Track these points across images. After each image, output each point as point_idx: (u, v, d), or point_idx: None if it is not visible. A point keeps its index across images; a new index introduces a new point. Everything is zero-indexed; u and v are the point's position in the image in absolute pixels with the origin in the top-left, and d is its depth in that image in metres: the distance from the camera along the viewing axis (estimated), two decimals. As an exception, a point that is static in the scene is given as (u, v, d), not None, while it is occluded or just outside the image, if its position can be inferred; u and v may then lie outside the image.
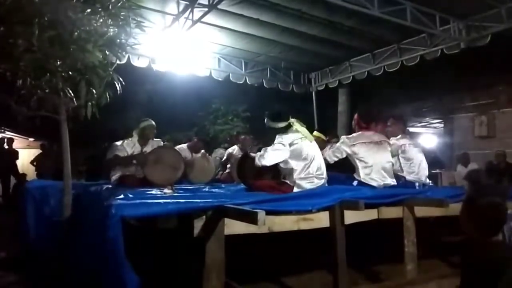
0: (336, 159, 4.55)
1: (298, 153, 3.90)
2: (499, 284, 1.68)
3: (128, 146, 4.77)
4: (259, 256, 4.07)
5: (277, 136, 3.92)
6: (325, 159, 4.36)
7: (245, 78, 8.73)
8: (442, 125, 12.34)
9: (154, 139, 5.03)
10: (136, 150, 4.78)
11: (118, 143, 4.79)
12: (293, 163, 3.89)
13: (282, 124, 3.98)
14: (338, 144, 4.67)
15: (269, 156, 3.84)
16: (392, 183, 4.52)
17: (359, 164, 4.44)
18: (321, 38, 7.29)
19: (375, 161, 4.44)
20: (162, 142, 5.18)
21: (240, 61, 8.57)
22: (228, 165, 6.75)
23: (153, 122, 5.00)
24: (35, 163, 10.35)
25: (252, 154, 4.16)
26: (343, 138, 4.69)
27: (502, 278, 1.70)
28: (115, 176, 4.69)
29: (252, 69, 8.79)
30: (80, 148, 8.42)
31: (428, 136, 14.54)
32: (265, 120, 4.09)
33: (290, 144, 3.88)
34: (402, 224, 3.83)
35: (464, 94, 10.65)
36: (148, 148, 4.81)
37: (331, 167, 4.43)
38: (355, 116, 4.86)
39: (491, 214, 1.86)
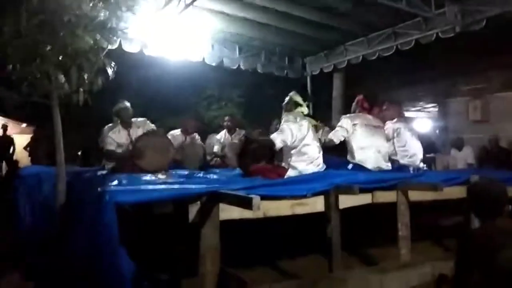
0: (342, 139, 4.56)
1: (294, 135, 3.96)
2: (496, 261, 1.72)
3: (114, 134, 4.68)
4: (254, 240, 4.09)
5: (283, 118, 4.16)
6: (331, 140, 4.46)
7: (239, 63, 8.64)
8: (436, 110, 12.35)
9: (138, 119, 4.91)
10: (123, 135, 4.69)
11: (107, 132, 4.71)
12: (288, 146, 3.94)
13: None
14: (340, 123, 4.68)
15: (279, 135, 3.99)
16: (386, 167, 4.55)
17: (354, 146, 4.48)
18: (315, 22, 7.20)
19: (371, 144, 4.48)
20: (148, 121, 5.02)
21: (234, 46, 8.45)
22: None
23: (127, 104, 4.85)
24: (28, 149, 10.25)
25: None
26: (344, 116, 4.73)
27: (499, 255, 1.73)
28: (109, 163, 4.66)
29: (246, 54, 8.68)
30: (74, 132, 8.30)
31: (423, 120, 14.57)
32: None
33: (288, 122, 4.04)
34: (396, 208, 3.86)
35: (458, 78, 10.62)
36: (134, 131, 4.70)
37: (328, 151, 4.45)
38: (359, 97, 4.86)
39: (494, 194, 1.91)
